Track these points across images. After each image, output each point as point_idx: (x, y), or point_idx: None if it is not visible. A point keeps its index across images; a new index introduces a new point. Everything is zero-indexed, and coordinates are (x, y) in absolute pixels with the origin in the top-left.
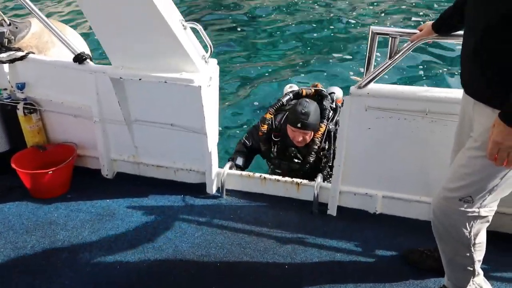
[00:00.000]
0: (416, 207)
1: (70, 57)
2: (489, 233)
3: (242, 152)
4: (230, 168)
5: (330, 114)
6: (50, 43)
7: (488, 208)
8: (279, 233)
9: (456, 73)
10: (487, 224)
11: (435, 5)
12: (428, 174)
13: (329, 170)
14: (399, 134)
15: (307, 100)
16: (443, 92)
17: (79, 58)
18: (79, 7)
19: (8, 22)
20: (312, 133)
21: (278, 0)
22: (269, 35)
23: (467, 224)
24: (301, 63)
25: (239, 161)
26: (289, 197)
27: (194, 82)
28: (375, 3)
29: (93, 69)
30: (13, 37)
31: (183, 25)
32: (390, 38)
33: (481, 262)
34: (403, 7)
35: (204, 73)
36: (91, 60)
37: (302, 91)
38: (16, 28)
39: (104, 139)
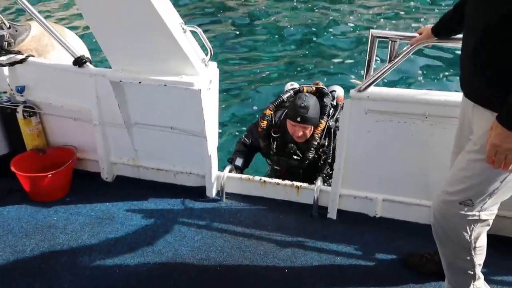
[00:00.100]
0: (416, 210)
1: (70, 60)
2: (490, 236)
3: (242, 152)
4: (230, 171)
5: (331, 111)
6: (50, 46)
7: (489, 211)
8: (279, 236)
9: (455, 76)
10: (488, 228)
11: (436, 9)
12: (428, 178)
13: (328, 167)
14: (399, 137)
15: (306, 94)
16: (442, 95)
17: (79, 61)
18: (79, 9)
19: (8, 25)
20: (312, 128)
21: (278, 4)
22: (268, 39)
23: (467, 227)
24: (300, 67)
25: (238, 161)
26: (289, 201)
27: (194, 86)
28: (374, 7)
29: (93, 72)
30: (13, 40)
31: (183, 28)
32: (390, 42)
33: (481, 266)
34: (402, 13)
35: (204, 76)
36: (90, 63)
37: (303, 89)
38: (16, 31)
39: (103, 142)
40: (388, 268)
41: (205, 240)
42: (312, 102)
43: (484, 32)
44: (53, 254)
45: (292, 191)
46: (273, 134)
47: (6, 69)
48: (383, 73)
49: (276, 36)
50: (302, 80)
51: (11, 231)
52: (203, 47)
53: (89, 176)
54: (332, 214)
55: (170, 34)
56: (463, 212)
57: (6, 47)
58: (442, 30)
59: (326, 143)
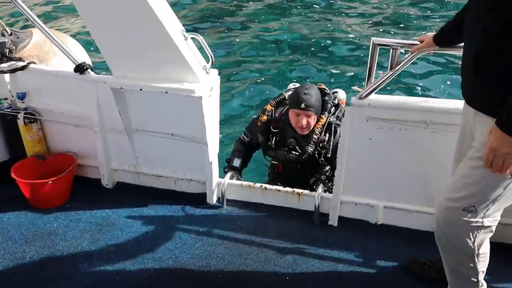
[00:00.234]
0: (418, 217)
1: (71, 67)
2: (492, 243)
3: (240, 151)
4: (231, 178)
5: (332, 109)
6: (51, 53)
7: (492, 218)
8: (280, 243)
9: (457, 83)
10: (491, 234)
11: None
12: (429, 185)
13: (327, 167)
14: (400, 145)
15: (308, 84)
16: (444, 102)
17: (80, 68)
18: (80, 16)
19: (9, 32)
20: (316, 117)
21: (277, 10)
22: (269, 45)
23: (470, 234)
24: (300, 74)
25: (236, 162)
26: (289, 207)
27: (195, 93)
28: (375, 14)
29: (94, 79)
30: (14, 47)
31: (184, 36)
32: (391, 49)
33: (484, 273)
34: (401, 20)
35: (205, 84)
36: (92, 70)
37: None
38: (18, 38)
39: (104, 148)
40: (390, 275)
41: (206, 247)
42: (314, 90)
43: (484, 40)
44: (53, 261)
45: (293, 197)
46: (272, 129)
47: (7, 76)
48: (384, 80)
49: (276, 44)
50: None
51: (11, 238)
52: (204, 54)
53: (90, 183)
54: (333, 221)
55: (171, 41)
56: (466, 219)
57: (7, 54)
58: (443, 39)
59: (327, 138)
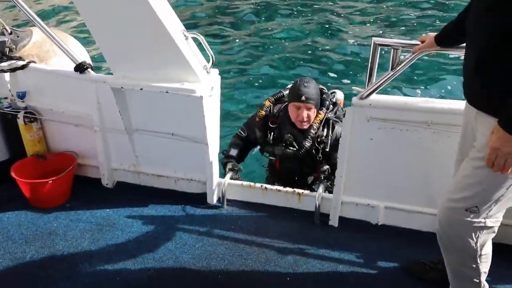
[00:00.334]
0: (419, 218)
1: (71, 66)
2: (493, 245)
3: (237, 144)
4: (231, 178)
5: (330, 106)
6: (51, 52)
7: (494, 218)
8: (280, 243)
9: (459, 83)
10: (493, 235)
11: (437, 21)
12: (430, 185)
13: (324, 164)
14: (401, 145)
15: (307, 77)
16: (445, 103)
17: (80, 68)
18: (81, 16)
19: (9, 31)
20: (315, 110)
21: (277, 10)
22: (269, 45)
23: (473, 234)
24: (300, 74)
25: (233, 152)
26: (290, 208)
27: (196, 92)
28: (376, 14)
29: (94, 78)
30: (14, 46)
31: (184, 35)
32: (392, 50)
33: (486, 274)
34: (404, 22)
35: (205, 83)
36: (92, 69)
37: None
38: (18, 37)
39: (104, 148)
40: (391, 276)
41: (206, 247)
42: (313, 84)
43: (484, 40)
44: (53, 261)
45: (294, 198)
46: (270, 125)
47: (7, 75)
48: (385, 80)
49: (276, 44)
50: None
51: (11, 237)
52: (205, 53)
53: (90, 182)
54: (334, 222)
55: (172, 41)
56: (468, 219)
57: (7, 53)
58: (444, 39)
59: (324, 134)
